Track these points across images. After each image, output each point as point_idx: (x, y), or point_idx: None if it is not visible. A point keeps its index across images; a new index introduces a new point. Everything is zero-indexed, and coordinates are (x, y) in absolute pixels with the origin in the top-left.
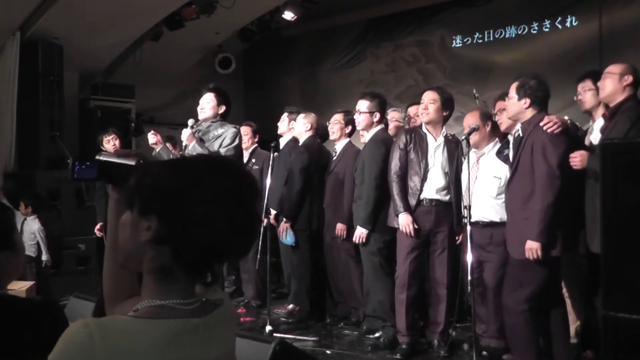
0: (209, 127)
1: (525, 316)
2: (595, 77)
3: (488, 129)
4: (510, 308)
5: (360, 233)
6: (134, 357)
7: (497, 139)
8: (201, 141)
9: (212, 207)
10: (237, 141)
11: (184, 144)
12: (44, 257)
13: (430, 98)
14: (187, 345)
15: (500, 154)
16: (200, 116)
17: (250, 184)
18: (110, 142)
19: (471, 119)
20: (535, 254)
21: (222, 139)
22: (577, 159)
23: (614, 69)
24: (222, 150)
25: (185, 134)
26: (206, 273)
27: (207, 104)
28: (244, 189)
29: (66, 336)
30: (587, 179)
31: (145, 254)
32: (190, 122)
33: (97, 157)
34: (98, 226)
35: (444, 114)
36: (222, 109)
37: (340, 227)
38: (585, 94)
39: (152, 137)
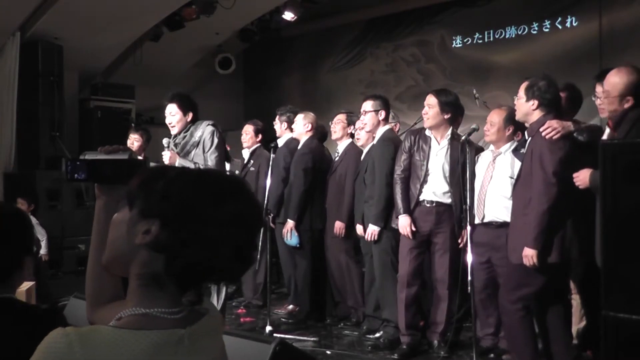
0: (185, 137)
1: (520, 315)
2: None
3: (509, 132)
4: (505, 307)
5: (372, 230)
6: None
7: (514, 140)
8: (184, 155)
9: (224, 230)
10: (216, 139)
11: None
12: (43, 251)
13: (428, 103)
14: (169, 356)
15: (516, 151)
16: (173, 132)
17: (260, 213)
18: (130, 140)
19: (496, 115)
20: (531, 260)
21: (202, 143)
22: (579, 177)
23: (613, 89)
24: (207, 156)
25: (167, 156)
26: (195, 288)
27: (174, 117)
28: (255, 216)
29: (44, 345)
30: (596, 195)
31: (136, 257)
32: (165, 142)
33: (81, 157)
34: None
35: (445, 117)
36: (190, 115)
37: (338, 226)
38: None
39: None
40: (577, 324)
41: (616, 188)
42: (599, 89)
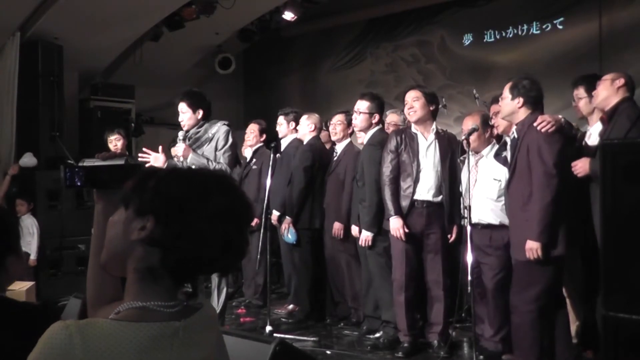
0: (198, 134)
1: (533, 316)
2: (588, 82)
3: (487, 134)
4: (518, 308)
5: (365, 237)
6: None
7: (494, 141)
8: (195, 149)
9: (213, 223)
10: (230, 139)
11: (180, 159)
12: (32, 256)
13: (412, 97)
14: (167, 348)
15: (498, 156)
16: (184, 129)
17: (249, 206)
18: (112, 143)
19: (470, 121)
20: (535, 253)
21: (215, 140)
22: (579, 165)
23: (606, 76)
24: (220, 153)
25: (180, 148)
26: (191, 281)
27: (184, 115)
28: (244, 210)
29: (46, 337)
30: (592, 182)
31: (133, 253)
32: (181, 134)
33: (80, 164)
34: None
35: (431, 108)
36: (200, 113)
37: (337, 227)
38: (579, 102)
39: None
40: (574, 322)
41: (616, 188)
42: (576, 92)
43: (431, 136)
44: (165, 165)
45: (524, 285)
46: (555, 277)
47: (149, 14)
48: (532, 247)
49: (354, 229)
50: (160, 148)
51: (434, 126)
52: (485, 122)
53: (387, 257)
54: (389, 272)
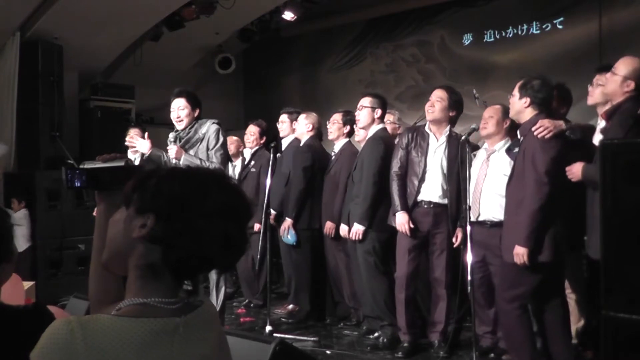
0: (189, 134)
1: (517, 314)
2: None
3: (506, 125)
4: (502, 307)
5: (356, 230)
6: (113, 355)
7: (508, 138)
8: (187, 150)
9: (212, 221)
10: (222, 138)
11: (173, 160)
12: (20, 247)
13: (437, 96)
14: (167, 344)
15: (509, 151)
16: (179, 126)
17: (248, 204)
18: (130, 135)
19: (491, 111)
20: (522, 259)
21: (206, 140)
22: (572, 171)
23: (622, 69)
24: (212, 153)
25: (173, 151)
26: (192, 278)
27: (182, 111)
28: (243, 208)
29: (48, 333)
30: (587, 187)
31: (135, 250)
32: (172, 136)
33: (81, 166)
34: None
35: (450, 114)
36: (197, 112)
37: (329, 226)
38: (596, 88)
39: (143, 145)
40: (576, 323)
41: (616, 188)
42: (598, 77)
43: (442, 138)
44: (151, 151)
45: (508, 285)
46: (543, 280)
47: (149, 14)
48: (519, 252)
49: (343, 229)
50: (146, 134)
51: (447, 129)
52: (505, 114)
53: (376, 256)
54: (378, 272)
